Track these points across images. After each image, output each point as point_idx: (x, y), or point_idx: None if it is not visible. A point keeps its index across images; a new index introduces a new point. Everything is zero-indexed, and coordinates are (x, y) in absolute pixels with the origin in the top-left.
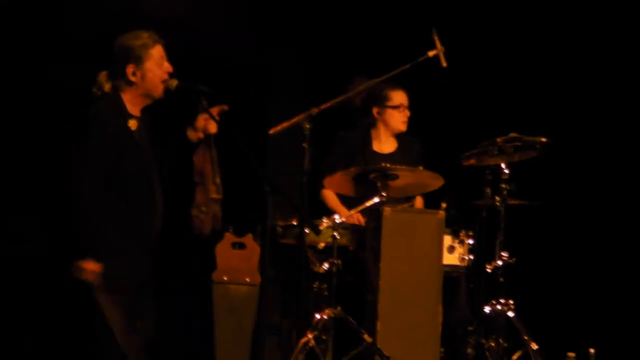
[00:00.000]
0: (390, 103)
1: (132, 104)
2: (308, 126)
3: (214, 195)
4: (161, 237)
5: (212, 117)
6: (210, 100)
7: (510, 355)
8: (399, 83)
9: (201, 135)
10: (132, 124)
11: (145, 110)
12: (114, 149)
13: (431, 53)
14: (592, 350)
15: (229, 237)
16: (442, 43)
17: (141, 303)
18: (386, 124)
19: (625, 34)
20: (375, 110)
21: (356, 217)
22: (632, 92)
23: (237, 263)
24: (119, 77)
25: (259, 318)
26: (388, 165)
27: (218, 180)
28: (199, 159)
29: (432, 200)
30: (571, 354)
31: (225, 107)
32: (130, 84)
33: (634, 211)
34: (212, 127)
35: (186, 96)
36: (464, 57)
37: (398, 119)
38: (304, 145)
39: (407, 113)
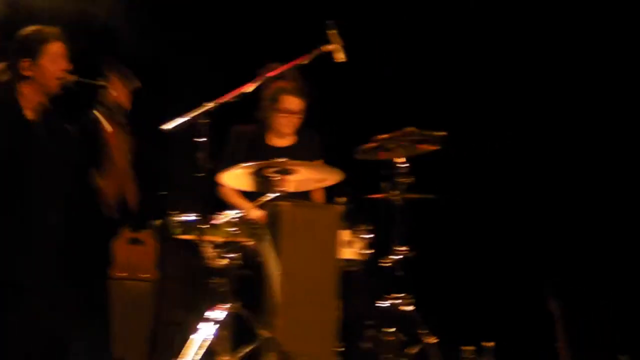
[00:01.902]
0: (278, 106)
1: (30, 96)
2: (204, 121)
3: (126, 171)
4: (58, 231)
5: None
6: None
7: (407, 349)
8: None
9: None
10: (30, 114)
11: (51, 101)
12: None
13: (326, 48)
14: (489, 344)
15: (126, 233)
16: (341, 36)
17: (43, 299)
18: (275, 123)
19: (516, 30)
20: (266, 108)
21: (254, 211)
22: (523, 85)
23: (134, 259)
24: (15, 70)
25: (157, 314)
26: (283, 160)
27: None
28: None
29: (330, 195)
30: (470, 347)
31: (139, 84)
32: (25, 77)
33: (531, 205)
34: (124, 101)
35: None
36: (362, 51)
37: (282, 123)
38: (200, 140)
39: (295, 119)
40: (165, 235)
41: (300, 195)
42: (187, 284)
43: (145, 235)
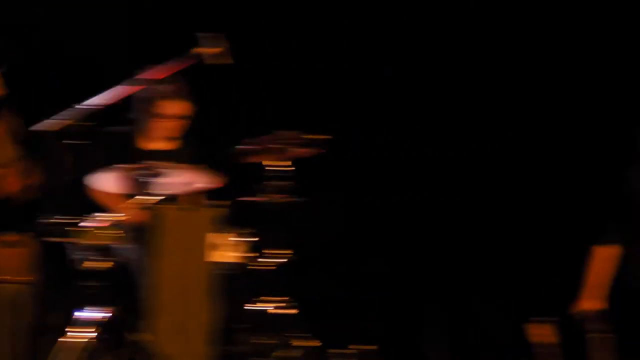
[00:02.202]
0: (156, 110)
1: None
2: (79, 123)
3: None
4: None
5: None
6: None
7: (283, 353)
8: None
9: None
10: None
11: None
12: None
13: (200, 50)
14: (370, 347)
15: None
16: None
17: None
18: (153, 127)
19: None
20: (143, 111)
21: (129, 214)
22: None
23: (8, 261)
24: None
25: (33, 317)
26: (160, 163)
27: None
28: None
29: (209, 198)
30: (348, 351)
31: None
32: None
33: (404, 208)
34: None
35: None
36: (245, 54)
37: (160, 127)
38: (72, 142)
39: (174, 123)
40: (41, 238)
41: (178, 198)
42: (62, 287)
43: (18, 237)
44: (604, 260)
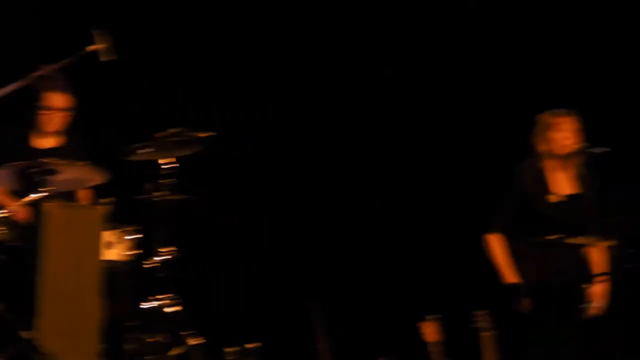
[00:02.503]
0: (41, 104)
1: None
2: None
3: None
4: None
5: None
6: None
7: (171, 351)
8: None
9: None
10: None
11: None
12: None
13: (91, 48)
14: (253, 345)
15: None
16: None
17: None
18: (42, 122)
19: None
20: (31, 107)
21: (18, 211)
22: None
23: None
24: None
25: None
26: (47, 160)
27: None
28: None
29: (96, 195)
30: (231, 349)
31: None
32: None
33: (297, 208)
34: None
35: None
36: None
37: (46, 121)
38: None
39: (59, 116)
40: None
41: (65, 196)
42: None
43: None
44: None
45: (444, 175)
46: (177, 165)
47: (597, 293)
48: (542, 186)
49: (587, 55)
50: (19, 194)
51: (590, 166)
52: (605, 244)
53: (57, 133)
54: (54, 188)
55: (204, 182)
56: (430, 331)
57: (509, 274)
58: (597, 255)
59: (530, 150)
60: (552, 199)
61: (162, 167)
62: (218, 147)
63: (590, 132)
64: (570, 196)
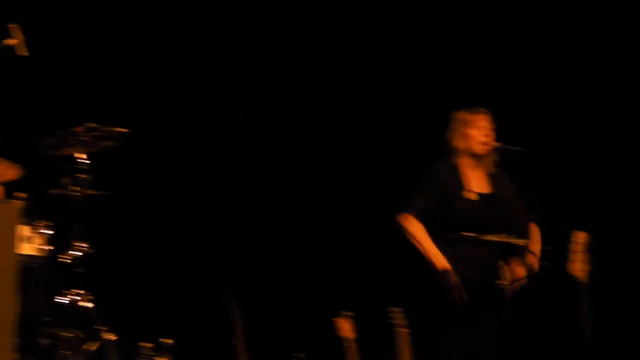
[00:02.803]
0: None
1: None
2: None
3: None
4: None
5: None
6: None
7: (86, 346)
8: None
9: None
10: None
11: None
12: None
13: (7, 42)
14: (168, 341)
15: None
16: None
17: None
18: None
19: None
20: None
21: None
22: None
23: None
24: None
25: None
26: None
27: None
28: None
29: (10, 190)
30: (148, 345)
31: None
32: None
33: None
34: None
35: None
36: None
37: None
38: None
39: None
40: None
41: None
42: None
43: None
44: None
45: None
46: (91, 161)
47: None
48: (458, 183)
49: (500, 56)
50: None
51: (505, 164)
52: (521, 242)
53: None
54: None
55: (121, 177)
56: (344, 327)
57: (438, 257)
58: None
59: (446, 147)
60: (468, 196)
61: (79, 161)
62: (138, 144)
63: (502, 131)
64: (486, 194)
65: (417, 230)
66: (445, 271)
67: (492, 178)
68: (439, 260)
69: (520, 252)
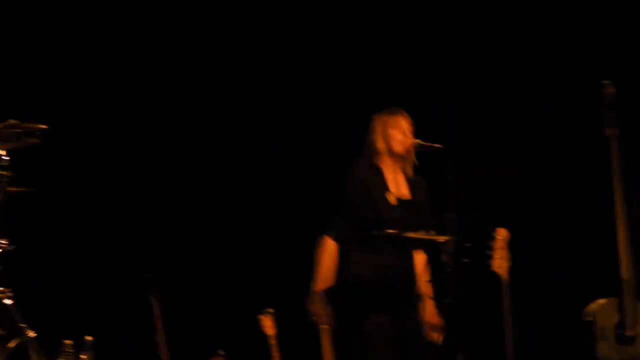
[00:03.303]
0: None
1: None
2: None
3: None
4: None
5: None
6: None
7: (6, 344)
8: None
9: None
10: None
11: None
12: None
13: None
14: (88, 338)
15: None
16: None
17: None
18: None
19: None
20: None
21: None
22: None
23: None
24: None
25: None
26: None
27: None
28: None
29: None
30: (68, 342)
31: None
32: None
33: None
34: None
35: None
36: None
37: None
38: None
39: None
40: None
41: None
42: None
43: None
44: (323, 251)
45: None
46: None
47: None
48: (380, 185)
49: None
50: None
51: (424, 163)
52: (442, 238)
53: None
54: None
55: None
56: (266, 324)
57: (320, 281)
58: (421, 259)
59: (366, 148)
60: (390, 198)
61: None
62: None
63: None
64: (407, 200)
65: (324, 253)
66: (315, 294)
67: (411, 183)
68: (320, 281)
69: (442, 249)
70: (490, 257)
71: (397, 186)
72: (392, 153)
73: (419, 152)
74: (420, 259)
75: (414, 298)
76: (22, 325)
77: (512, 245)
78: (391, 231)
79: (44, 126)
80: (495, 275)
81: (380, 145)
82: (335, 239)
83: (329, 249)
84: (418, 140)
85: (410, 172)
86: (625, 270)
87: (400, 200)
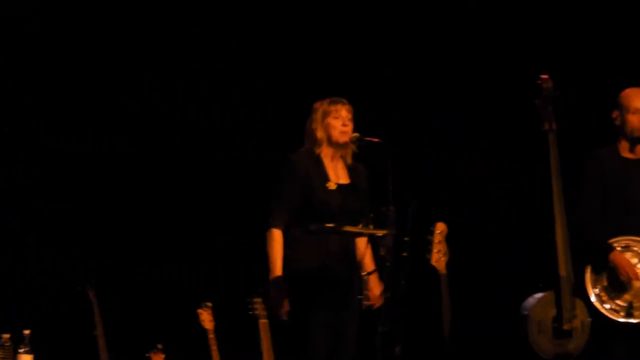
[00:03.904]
0: None
1: None
2: None
3: None
4: None
5: None
6: None
7: None
8: None
9: None
10: None
11: None
12: None
13: None
14: (26, 332)
15: None
16: None
17: None
18: None
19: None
20: None
21: None
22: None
23: None
24: None
25: None
26: None
27: None
28: None
29: None
30: (6, 335)
31: None
32: None
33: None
34: None
35: None
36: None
37: None
38: None
39: None
40: None
41: None
42: None
43: None
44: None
45: None
46: None
47: (372, 283)
48: (320, 173)
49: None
50: None
51: (364, 155)
52: (381, 232)
53: None
54: None
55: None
56: (204, 318)
57: (278, 268)
58: (363, 246)
59: (305, 137)
60: (329, 186)
61: None
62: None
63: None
64: (346, 184)
65: (275, 243)
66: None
67: (350, 169)
68: (276, 270)
69: (380, 243)
70: (429, 251)
71: (337, 174)
72: (331, 142)
73: (360, 146)
74: (361, 240)
75: (356, 283)
76: None
77: (451, 239)
78: (329, 225)
79: None
80: (433, 269)
81: (320, 134)
82: (280, 228)
83: (278, 239)
84: (357, 134)
85: (349, 160)
86: (563, 266)
87: (339, 185)
